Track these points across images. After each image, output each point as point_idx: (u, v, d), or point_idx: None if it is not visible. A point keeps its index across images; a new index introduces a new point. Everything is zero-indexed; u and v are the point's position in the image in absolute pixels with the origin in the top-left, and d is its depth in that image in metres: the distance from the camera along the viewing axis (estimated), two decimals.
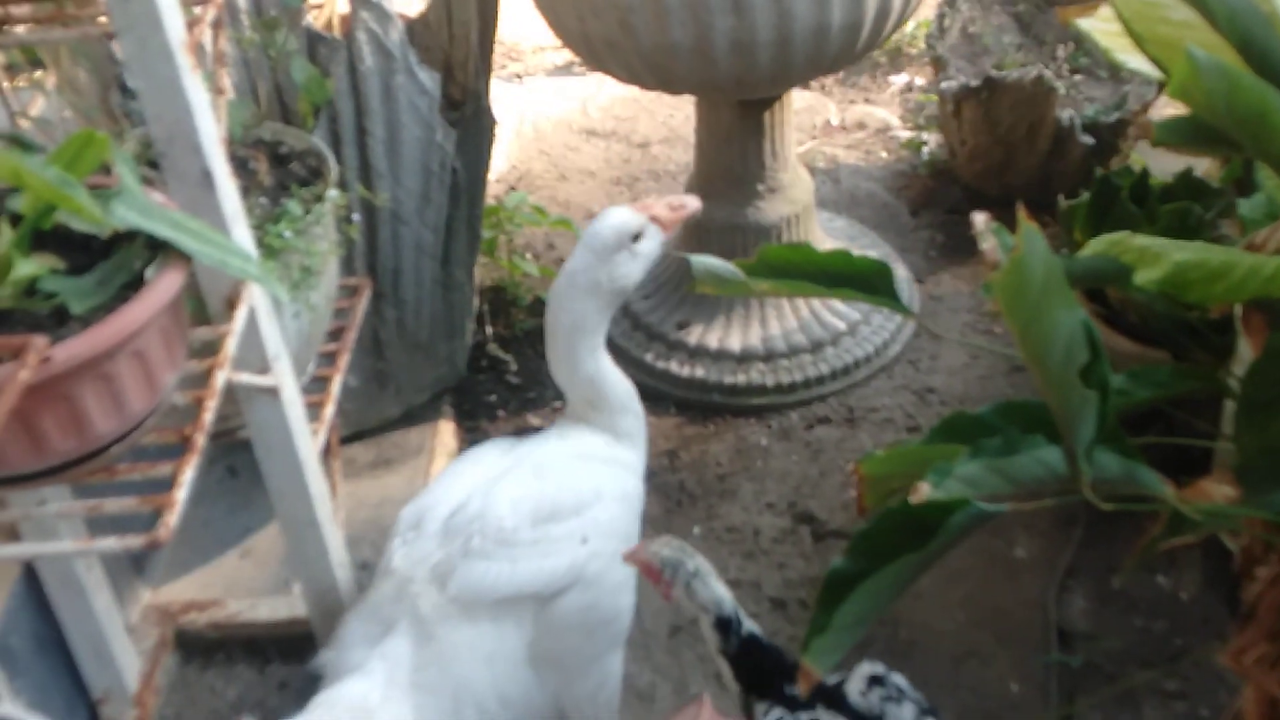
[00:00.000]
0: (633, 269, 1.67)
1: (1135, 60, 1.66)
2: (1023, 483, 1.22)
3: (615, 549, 1.61)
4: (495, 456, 1.71)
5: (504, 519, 1.56)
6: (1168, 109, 2.76)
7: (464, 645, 1.53)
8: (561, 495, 1.62)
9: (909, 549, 1.30)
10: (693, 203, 1.72)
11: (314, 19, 2.08)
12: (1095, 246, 1.50)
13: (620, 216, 1.68)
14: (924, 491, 1.14)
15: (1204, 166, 2.26)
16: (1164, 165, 2.29)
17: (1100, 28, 1.85)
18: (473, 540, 1.55)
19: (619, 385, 1.73)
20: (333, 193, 1.63)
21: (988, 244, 1.10)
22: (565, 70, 3.80)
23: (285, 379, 1.50)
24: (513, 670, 1.57)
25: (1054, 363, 1.19)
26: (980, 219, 1.13)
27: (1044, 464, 1.23)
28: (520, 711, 1.58)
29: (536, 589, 1.56)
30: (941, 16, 3.03)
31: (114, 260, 1.20)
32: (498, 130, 2.33)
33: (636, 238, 1.67)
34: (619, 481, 1.70)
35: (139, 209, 1.18)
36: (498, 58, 3.83)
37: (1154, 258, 1.42)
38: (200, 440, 1.25)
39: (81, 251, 1.21)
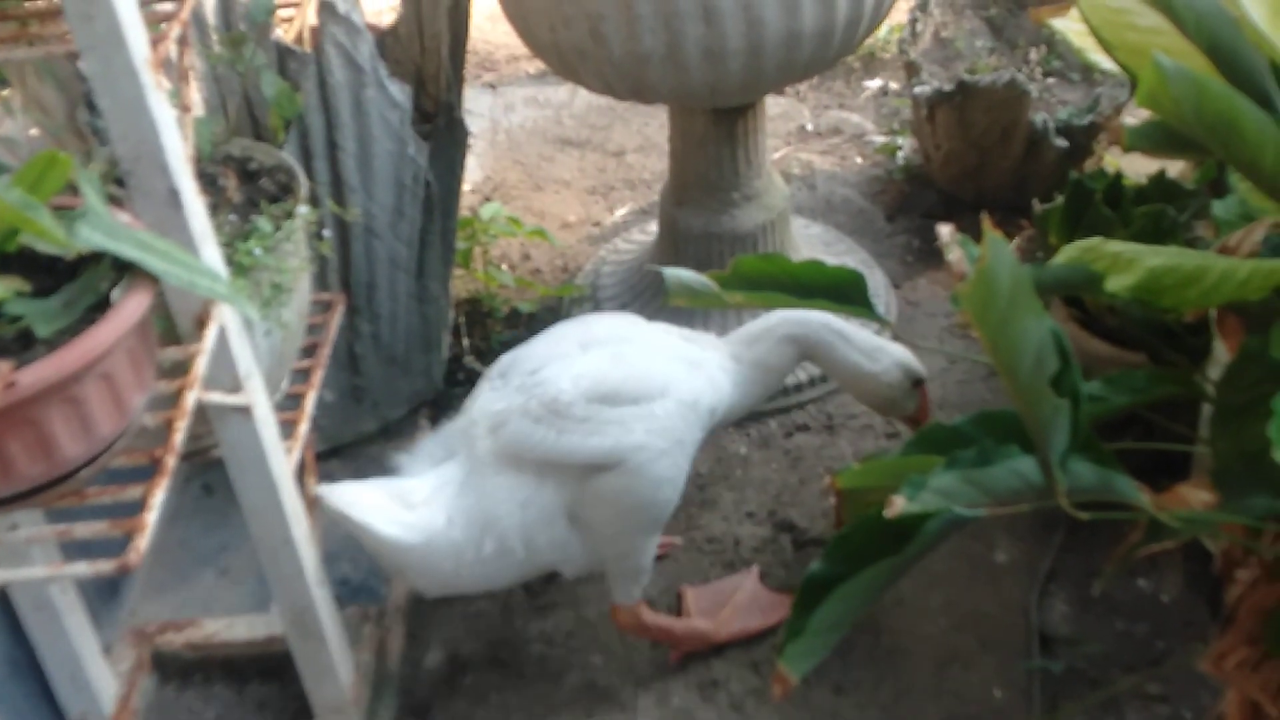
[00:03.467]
0: (889, 391, 1.89)
1: (1108, 61, 1.66)
2: (998, 494, 1.22)
3: (665, 447, 1.74)
4: (609, 326, 1.88)
5: (562, 391, 1.72)
6: (1141, 111, 2.76)
7: (504, 487, 1.72)
8: (626, 383, 1.75)
9: (885, 553, 1.30)
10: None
11: (284, 32, 2.07)
12: (1068, 254, 1.49)
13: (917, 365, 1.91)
14: (899, 505, 1.14)
15: (1178, 168, 2.27)
16: (1138, 167, 2.29)
17: (1074, 28, 1.86)
18: (531, 402, 1.72)
19: (777, 372, 1.89)
20: (303, 209, 1.61)
21: (954, 255, 1.10)
22: (539, 79, 3.79)
23: (257, 397, 1.49)
24: (545, 520, 1.74)
25: (1024, 372, 1.19)
26: (945, 230, 1.13)
27: (1019, 474, 1.23)
28: (549, 557, 1.77)
29: (573, 461, 1.72)
30: (914, 21, 3.03)
31: (80, 282, 1.19)
32: (471, 141, 2.33)
33: (916, 384, 1.90)
34: (695, 390, 1.79)
35: (105, 230, 1.17)
36: (471, 68, 3.82)
37: (1127, 264, 1.42)
38: (171, 462, 1.24)
39: (47, 273, 1.20)
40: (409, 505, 1.70)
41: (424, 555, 1.69)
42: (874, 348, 1.88)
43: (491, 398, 1.78)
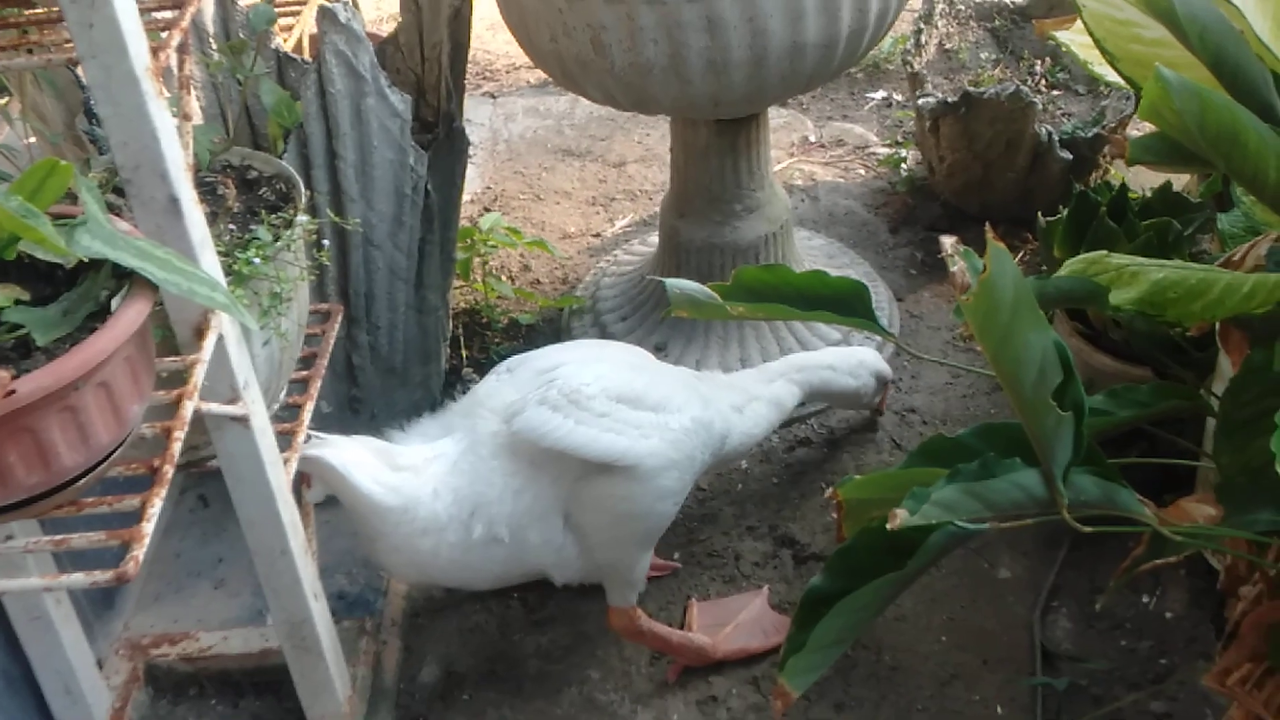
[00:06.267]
0: (864, 393, 2.18)
1: (1113, 73, 1.66)
2: (1000, 506, 1.21)
3: (676, 459, 1.75)
4: (624, 352, 1.91)
5: (585, 384, 1.72)
6: (1146, 124, 2.76)
7: (498, 471, 1.71)
8: (647, 391, 1.76)
9: (887, 567, 1.29)
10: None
11: (283, 40, 2.06)
12: (1072, 266, 1.49)
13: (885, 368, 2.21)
14: (901, 517, 1.13)
15: (1183, 181, 2.26)
16: (1143, 179, 2.29)
17: (1078, 40, 1.86)
18: (550, 391, 1.71)
19: (785, 410, 2.04)
20: (303, 218, 1.60)
21: (957, 267, 1.09)
22: (540, 89, 3.79)
23: (255, 407, 1.48)
24: (537, 513, 1.73)
25: (1027, 385, 1.18)
26: (948, 242, 1.12)
27: (1022, 487, 1.22)
28: (541, 558, 1.76)
29: (585, 455, 1.69)
30: (918, 32, 3.02)
31: (79, 290, 1.18)
32: (471, 150, 2.32)
33: (882, 385, 2.21)
34: (709, 414, 1.83)
35: (104, 238, 1.16)
36: (471, 77, 3.82)
37: (1131, 277, 1.41)
38: (168, 472, 1.23)
39: (46, 281, 1.20)
40: (395, 467, 1.68)
41: (399, 523, 1.66)
42: (855, 365, 2.09)
43: (501, 388, 1.78)
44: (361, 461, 1.66)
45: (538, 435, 1.69)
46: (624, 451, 1.70)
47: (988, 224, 1.22)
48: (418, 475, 1.68)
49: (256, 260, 1.50)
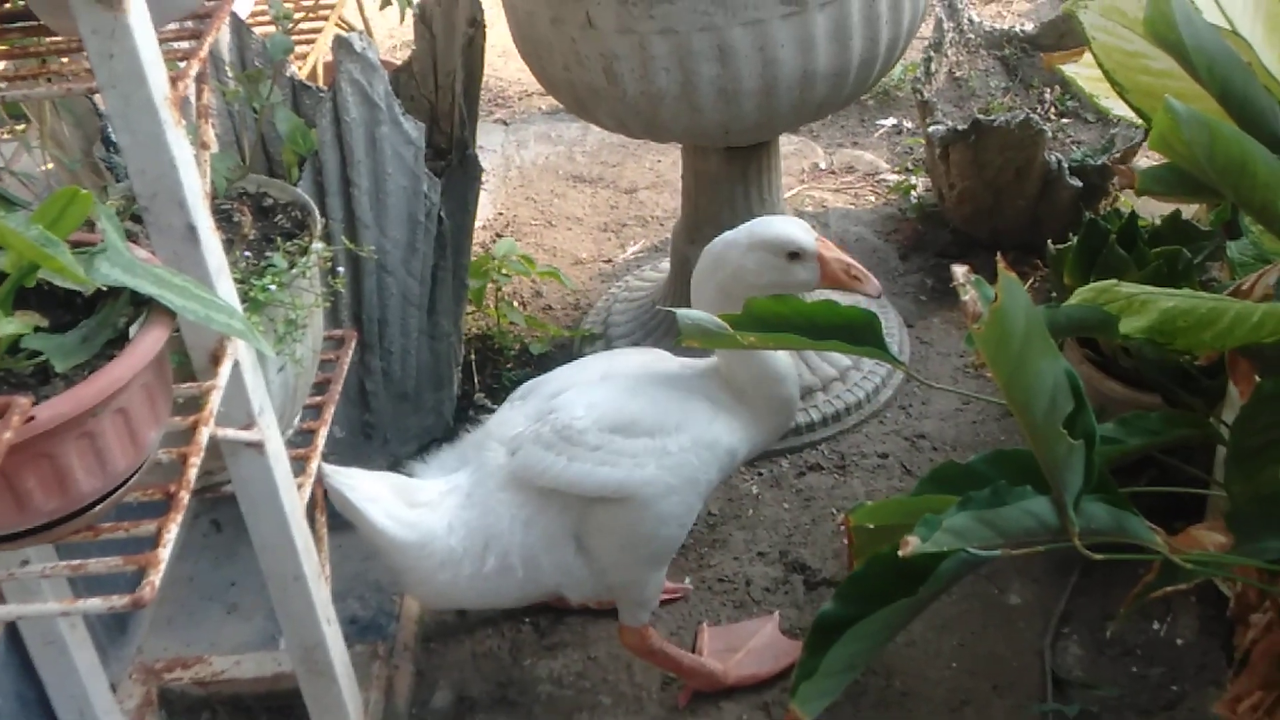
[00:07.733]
0: (765, 277, 1.73)
1: (1120, 106, 1.66)
2: (1012, 534, 1.21)
3: (675, 484, 1.72)
4: (636, 361, 1.87)
5: (576, 419, 1.71)
6: (1156, 152, 2.77)
7: (506, 504, 1.72)
8: (643, 415, 1.73)
9: (899, 594, 1.29)
10: (871, 288, 1.75)
11: (298, 68, 2.08)
12: (1082, 295, 1.49)
13: (793, 228, 1.74)
14: (913, 545, 1.13)
15: (1193, 209, 2.27)
16: (1153, 207, 2.29)
17: (1085, 74, 1.87)
18: (544, 428, 1.72)
19: (771, 382, 1.78)
20: (318, 245, 1.62)
21: (968, 296, 1.10)
22: (552, 115, 3.80)
23: (270, 433, 1.49)
24: (549, 542, 1.73)
25: (1039, 413, 1.18)
26: (960, 271, 1.13)
27: (1033, 515, 1.22)
28: (554, 580, 1.76)
29: (580, 491, 1.70)
30: (928, 60, 3.04)
31: (98, 317, 1.19)
32: (484, 177, 2.33)
33: (794, 256, 1.73)
34: (714, 431, 1.76)
35: (123, 266, 1.17)
36: (483, 104, 3.83)
37: (1141, 305, 1.42)
38: (184, 497, 1.24)
39: (65, 308, 1.21)
40: (411, 503, 1.70)
41: (418, 558, 1.69)
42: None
43: (510, 418, 1.78)
44: (379, 497, 1.68)
45: (534, 475, 1.71)
46: (620, 484, 1.70)
47: (999, 253, 1.23)
48: (434, 510, 1.71)
49: (272, 287, 1.51)
